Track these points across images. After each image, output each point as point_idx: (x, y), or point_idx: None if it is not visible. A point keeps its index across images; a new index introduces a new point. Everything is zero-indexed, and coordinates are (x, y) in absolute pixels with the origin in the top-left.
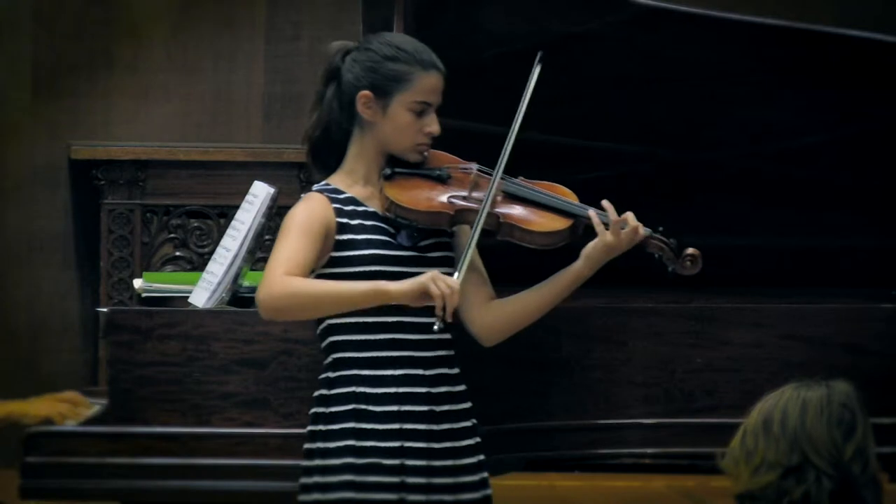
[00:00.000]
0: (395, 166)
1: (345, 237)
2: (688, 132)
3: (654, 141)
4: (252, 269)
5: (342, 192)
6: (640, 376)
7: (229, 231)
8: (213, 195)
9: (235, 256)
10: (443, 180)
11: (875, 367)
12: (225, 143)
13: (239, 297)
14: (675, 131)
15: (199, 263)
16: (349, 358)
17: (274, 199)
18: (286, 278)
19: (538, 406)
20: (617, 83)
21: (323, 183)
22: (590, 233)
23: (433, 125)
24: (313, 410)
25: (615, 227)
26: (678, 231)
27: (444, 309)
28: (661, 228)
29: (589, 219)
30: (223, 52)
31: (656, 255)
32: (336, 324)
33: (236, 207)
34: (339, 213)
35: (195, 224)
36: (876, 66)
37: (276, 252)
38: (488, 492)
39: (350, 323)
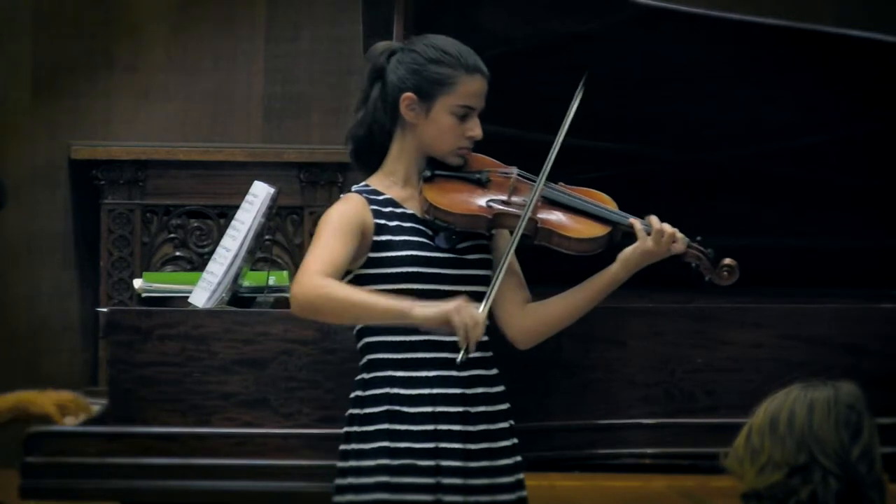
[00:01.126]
0: (435, 169)
1: (382, 238)
2: (688, 132)
3: (654, 141)
4: (252, 269)
5: (381, 194)
6: (640, 376)
7: (229, 231)
8: (213, 195)
9: (235, 256)
10: (482, 184)
11: (875, 367)
12: (225, 143)
13: (239, 297)
14: (676, 131)
15: (199, 263)
16: (384, 359)
17: (274, 199)
18: (322, 279)
19: (538, 406)
20: (617, 83)
21: (362, 184)
22: (627, 240)
23: (475, 129)
24: (349, 412)
25: (656, 235)
26: (678, 230)
27: (466, 341)
28: (699, 238)
29: (628, 226)
30: (223, 52)
31: (693, 265)
32: (372, 325)
33: (236, 207)
34: (377, 214)
35: (195, 224)
36: (876, 66)
37: (311, 250)
38: (524, 493)
39: (388, 325)
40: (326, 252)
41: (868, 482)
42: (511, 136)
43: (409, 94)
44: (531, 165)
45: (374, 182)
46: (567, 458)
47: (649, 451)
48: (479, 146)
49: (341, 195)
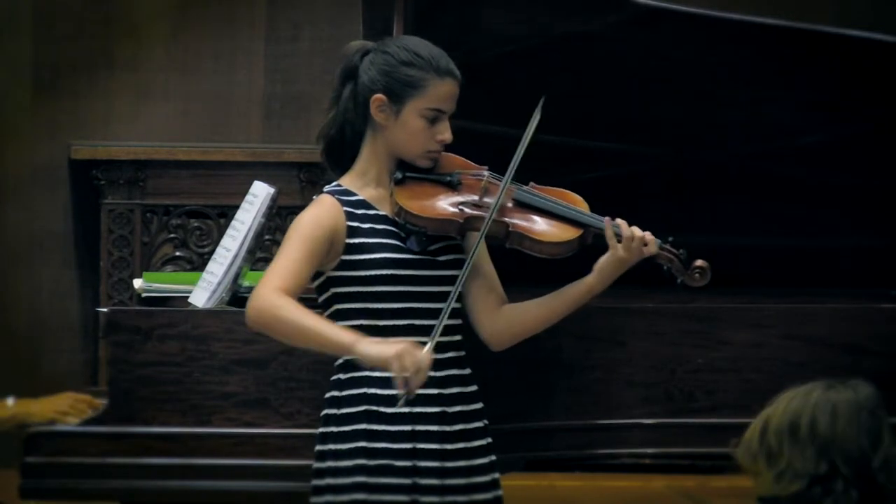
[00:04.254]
0: (406, 170)
1: (356, 241)
2: (688, 132)
3: (654, 141)
4: (252, 269)
5: (353, 195)
6: (640, 376)
7: (229, 231)
8: (213, 195)
9: (235, 256)
10: (453, 186)
11: (875, 367)
12: (225, 143)
13: (239, 297)
14: (675, 131)
15: (199, 263)
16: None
17: (274, 199)
18: (279, 298)
19: (538, 406)
20: (617, 83)
21: (335, 184)
22: (599, 241)
23: (445, 133)
24: (325, 412)
25: (626, 242)
26: (678, 231)
27: (406, 388)
28: (670, 239)
29: (599, 229)
30: (223, 52)
31: (665, 267)
32: (348, 326)
33: (236, 207)
34: (350, 216)
35: (195, 224)
36: (876, 66)
37: (275, 260)
38: (499, 492)
39: (361, 326)
40: (288, 265)
41: (888, 492)
42: (511, 136)
43: (379, 95)
44: (532, 166)
45: (347, 182)
46: (567, 458)
47: (649, 451)
48: (477, 145)
49: (314, 196)
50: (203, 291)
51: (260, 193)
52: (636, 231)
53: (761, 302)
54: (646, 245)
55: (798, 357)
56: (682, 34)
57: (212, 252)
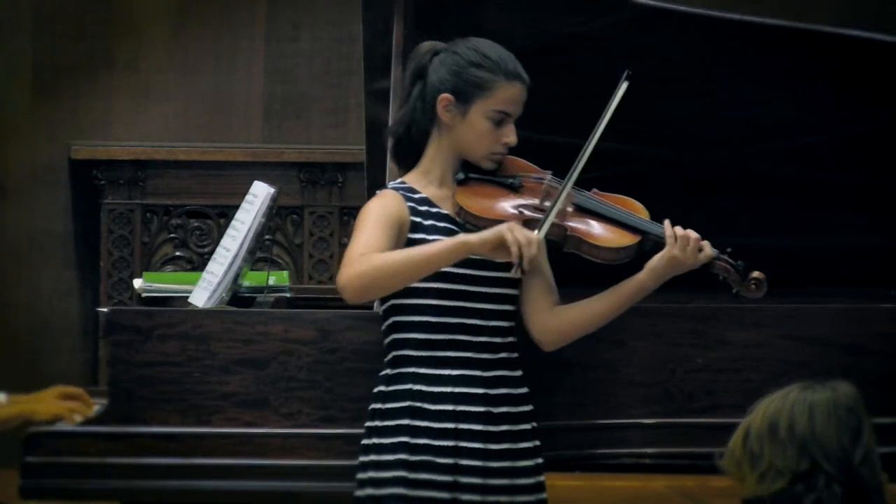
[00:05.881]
0: (469, 171)
1: (417, 236)
2: (688, 132)
3: (654, 141)
4: (252, 269)
5: (417, 192)
6: (640, 376)
7: (229, 231)
8: (213, 195)
9: (235, 256)
10: (515, 189)
11: (875, 367)
12: (225, 143)
13: (239, 297)
14: (676, 131)
15: (199, 263)
16: (409, 356)
17: (274, 199)
18: (365, 256)
19: (539, 406)
20: (617, 83)
21: (398, 181)
22: (657, 249)
23: (510, 136)
24: (371, 406)
25: (681, 242)
26: None
27: (521, 258)
28: (729, 250)
29: (657, 236)
30: (223, 52)
31: (721, 277)
32: (400, 321)
33: (236, 207)
34: (414, 211)
35: (195, 224)
36: (876, 66)
37: (353, 241)
38: (543, 495)
39: (413, 322)
40: (368, 241)
41: (871, 486)
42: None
43: (446, 95)
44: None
45: (411, 180)
46: (567, 458)
47: (649, 451)
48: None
49: (377, 192)
50: (203, 291)
51: (260, 193)
52: (691, 233)
53: (761, 302)
54: (701, 251)
55: (798, 357)
56: (681, 34)
57: (212, 252)
